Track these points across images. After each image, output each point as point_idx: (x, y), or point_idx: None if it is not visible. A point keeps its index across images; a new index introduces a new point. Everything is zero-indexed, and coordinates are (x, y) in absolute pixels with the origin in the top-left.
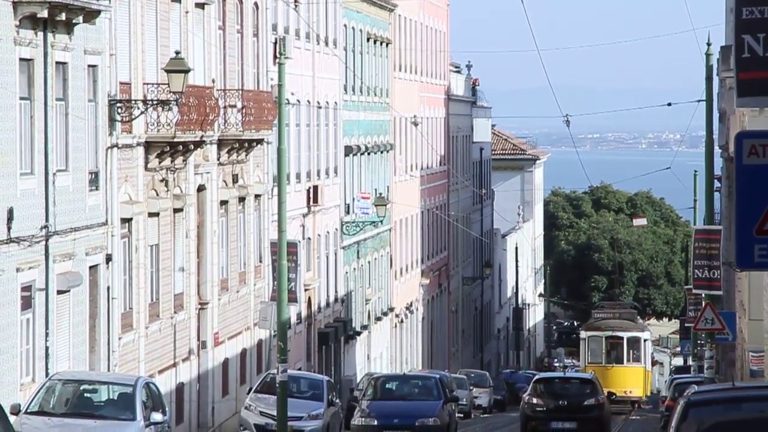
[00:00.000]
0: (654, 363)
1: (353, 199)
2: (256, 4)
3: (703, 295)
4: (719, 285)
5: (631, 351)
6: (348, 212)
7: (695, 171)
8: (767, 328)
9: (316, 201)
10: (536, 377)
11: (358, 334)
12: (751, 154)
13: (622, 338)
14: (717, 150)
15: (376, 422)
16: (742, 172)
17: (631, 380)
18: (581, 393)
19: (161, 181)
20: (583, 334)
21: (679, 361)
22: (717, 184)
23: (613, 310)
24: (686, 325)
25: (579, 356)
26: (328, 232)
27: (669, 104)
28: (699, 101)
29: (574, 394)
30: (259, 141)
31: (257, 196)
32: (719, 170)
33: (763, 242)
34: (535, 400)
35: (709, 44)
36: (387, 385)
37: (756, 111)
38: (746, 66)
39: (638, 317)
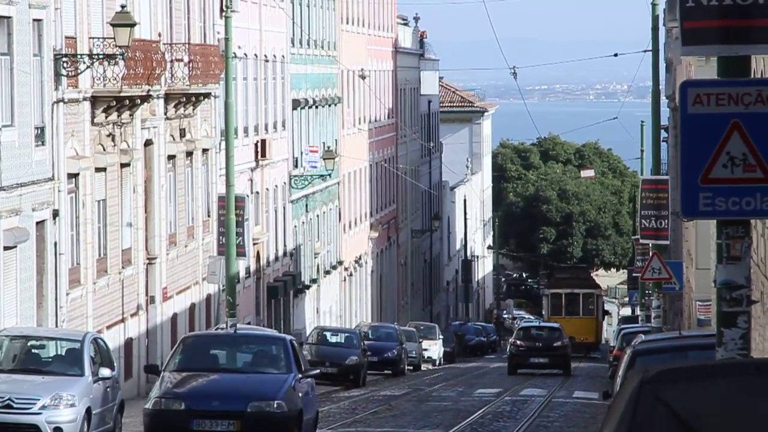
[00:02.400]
0: (605, 314)
1: (301, 152)
2: None
3: (651, 245)
4: (666, 235)
5: (585, 305)
6: (296, 166)
7: (642, 121)
8: (714, 277)
9: (264, 155)
10: (519, 326)
11: (308, 287)
12: (695, 102)
13: (578, 294)
14: (664, 100)
15: (183, 405)
16: (687, 121)
17: (586, 329)
18: (551, 337)
19: (108, 135)
20: (545, 291)
21: (627, 311)
22: (664, 134)
23: (570, 272)
24: (634, 275)
25: (537, 309)
26: (276, 186)
27: (616, 55)
28: (645, 51)
29: (546, 338)
30: (207, 95)
31: (205, 151)
32: (666, 120)
33: (707, 191)
34: (519, 342)
35: None
36: (206, 349)
37: (702, 60)
38: (691, 15)
39: (591, 276)
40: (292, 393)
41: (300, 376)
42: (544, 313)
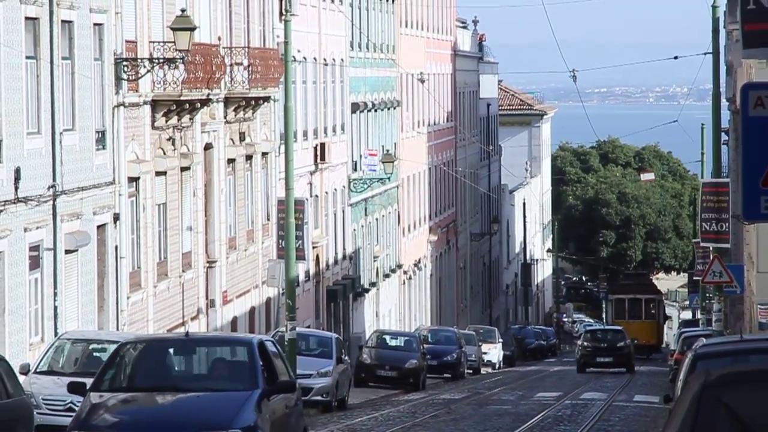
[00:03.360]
0: (666, 318)
1: (360, 156)
2: None
3: (711, 248)
4: (727, 238)
5: (647, 309)
6: (355, 169)
7: (702, 124)
8: None
9: (323, 158)
10: (585, 329)
11: (367, 291)
12: (757, 105)
13: (641, 299)
14: (724, 103)
15: None
16: (747, 124)
17: (648, 332)
18: (615, 339)
19: (168, 139)
20: (610, 297)
21: (687, 315)
22: (724, 137)
23: (632, 278)
24: (694, 278)
25: (596, 312)
26: (335, 190)
27: (676, 57)
28: (706, 54)
29: (611, 339)
30: (266, 99)
31: (264, 154)
32: (727, 123)
33: None
34: (586, 343)
35: None
36: (148, 360)
37: (763, 63)
38: (752, 17)
39: (652, 281)
40: (256, 416)
41: (271, 390)
42: (604, 316)
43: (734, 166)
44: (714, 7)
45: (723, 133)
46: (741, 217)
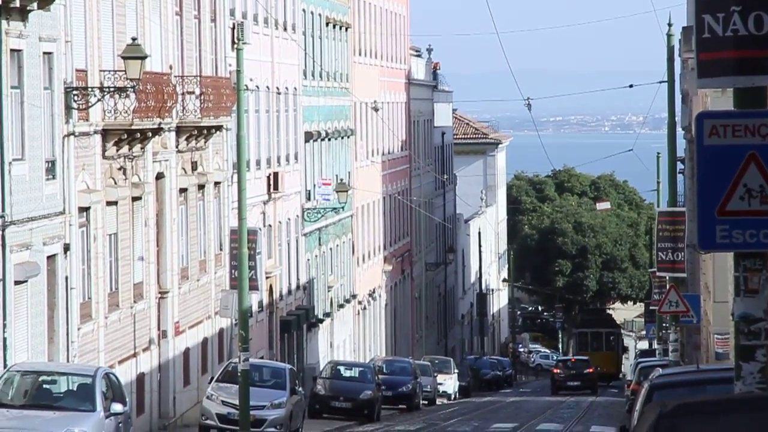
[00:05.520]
0: (624, 349)
1: (314, 185)
2: None
3: (668, 278)
4: (683, 267)
5: (607, 342)
6: (309, 198)
7: (658, 153)
8: (732, 310)
9: (276, 188)
10: (557, 359)
11: (321, 321)
12: (711, 134)
13: (602, 332)
14: (680, 132)
15: None
16: (703, 153)
17: (608, 362)
18: (582, 366)
19: (119, 169)
20: (574, 330)
21: (644, 345)
22: (680, 165)
23: (593, 314)
24: (651, 308)
25: (552, 342)
26: (289, 219)
27: (631, 86)
28: (661, 82)
29: (579, 367)
30: (218, 128)
31: (217, 184)
32: (683, 152)
33: (724, 223)
34: (558, 371)
35: (670, 25)
36: None
37: (718, 92)
38: (706, 46)
39: (612, 317)
40: None
41: None
42: (560, 346)
43: (690, 195)
44: (669, 36)
45: (679, 162)
46: (697, 247)
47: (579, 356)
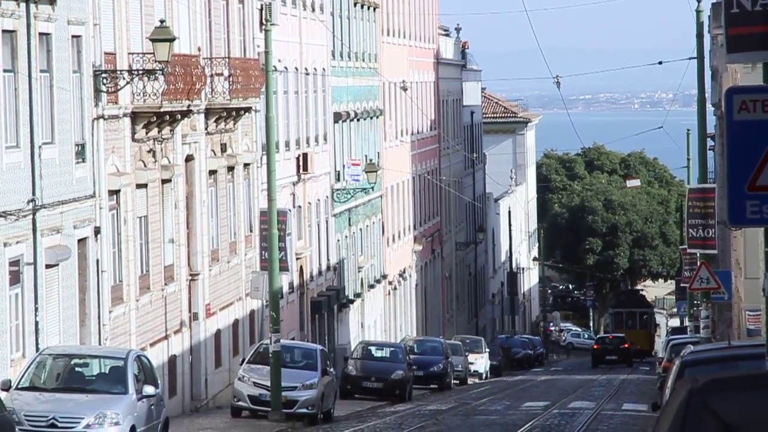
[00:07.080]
0: (656, 327)
1: (343, 166)
2: None
3: (698, 255)
4: (714, 244)
5: (641, 320)
6: (338, 179)
7: (688, 130)
8: (763, 286)
9: (306, 169)
10: (597, 337)
11: (351, 302)
12: (741, 109)
13: (636, 312)
14: (710, 108)
15: None
16: (732, 128)
17: (642, 339)
18: (619, 343)
19: (149, 151)
20: (609, 310)
21: (675, 322)
22: (710, 142)
23: (628, 294)
24: (682, 285)
25: (583, 320)
26: (318, 200)
27: (660, 63)
28: (690, 59)
29: (616, 343)
30: (247, 109)
31: (246, 165)
32: (712, 128)
33: (754, 198)
34: (597, 347)
35: (699, 1)
36: None
37: (748, 67)
38: (736, 21)
39: (645, 297)
40: None
41: None
42: (591, 324)
43: (720, 172)
44: (698, 12)
45: (709, 139)
46: (727, 223)
47: (615, 333)
